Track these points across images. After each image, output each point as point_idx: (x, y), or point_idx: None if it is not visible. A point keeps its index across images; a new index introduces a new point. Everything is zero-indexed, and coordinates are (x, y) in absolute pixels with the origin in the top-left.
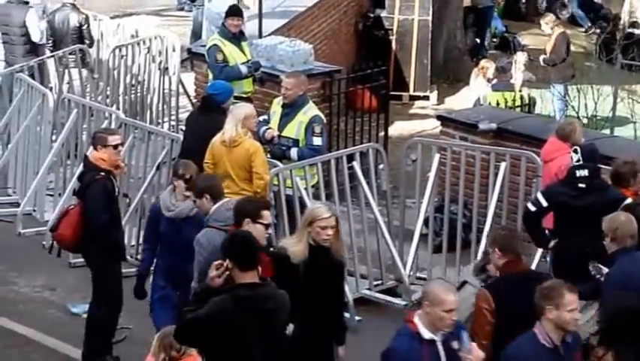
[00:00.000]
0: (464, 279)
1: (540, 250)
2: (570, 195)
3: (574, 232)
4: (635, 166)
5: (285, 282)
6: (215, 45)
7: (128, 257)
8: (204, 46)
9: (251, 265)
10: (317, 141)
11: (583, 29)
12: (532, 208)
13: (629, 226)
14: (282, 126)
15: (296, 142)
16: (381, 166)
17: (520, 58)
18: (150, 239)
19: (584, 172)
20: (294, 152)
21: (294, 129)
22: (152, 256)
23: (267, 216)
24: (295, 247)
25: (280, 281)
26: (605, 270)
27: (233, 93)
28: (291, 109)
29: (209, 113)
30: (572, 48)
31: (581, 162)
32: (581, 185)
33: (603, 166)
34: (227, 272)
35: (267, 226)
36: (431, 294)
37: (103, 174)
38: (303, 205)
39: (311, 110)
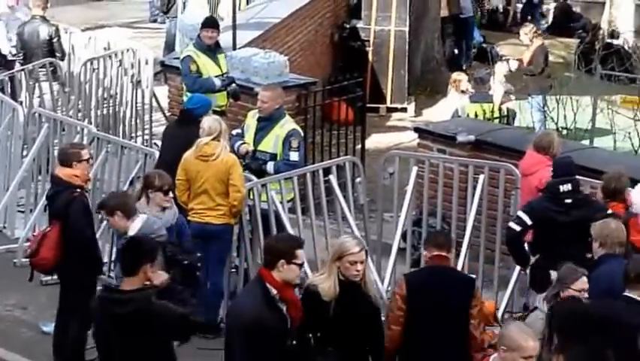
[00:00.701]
0: (535, 305)
1: None
2: (556, 211)
3: (560, 246)
4: (626, 178)
5: (316, 321)
6: (188, 56)
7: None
8: (178, 58)
9: (128, 272)
10: (294, 155)
11: (562, 39)
12: (517, 228)
13: (620, 233)
14: (257, 140)
15: (273, 156)
16: (358, 179)
17: (500, 69)
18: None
19: (568, 187)
20: (270, 166)
21: (271, 143)
22: None
23: (301, 255)
24: (324, 283)
25: (310, 320)
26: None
27: (211, 107)
28: (267, 122)
29: (187, 127)
30: (551, 58)
31: (561, 177)
32: (567, 200)
33: (582, 178)
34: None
35: (300, 266)
36: (509, 339)
37: (79, 190)
38: (278, 220)
39: (288, 123)
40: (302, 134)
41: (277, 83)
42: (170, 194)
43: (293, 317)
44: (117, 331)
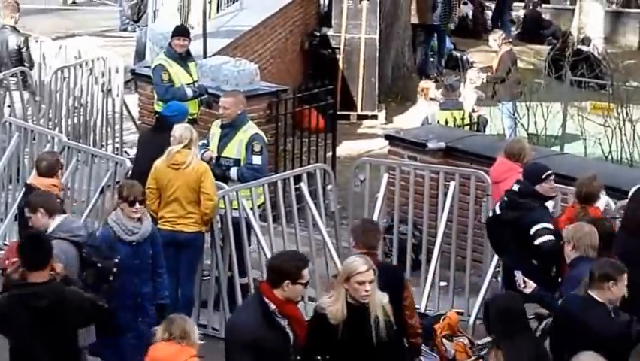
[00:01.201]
0: None
1: (492, 268)
2: (501, 207)
3: (504, 247)
4: (600, 182)
5: (324, 343)
6: (160, 65)
7: None
8: (148, 67)
9: (35, 265)
10: (256, 159)
11: (532, 46)
12: (490, 215)
13: (592, 237)
14: (221, 147)
15: (237, 162)
16: (329, 187)
17: (472, 75)
18: (108, 257)
19: (515, 187)
20: (233, 172)
21: (235, 149)
22: None
23: (307, 274)
24: (333, 306)
25: (318, 343)
26: (531, 283)
27: (187, 115)
28: (230, 129)
29: (162, 134)
30: (521, 65)
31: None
32: (505, 198)
33: (560, 186)
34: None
35: (305, 285)
36: None
37: (59, 199)
38: (249, 227)
39: (251, 128)
40: (265, 138)
41: (248, 91)
42: (137, 205)
43: (296, 334)
44: (38, 324)
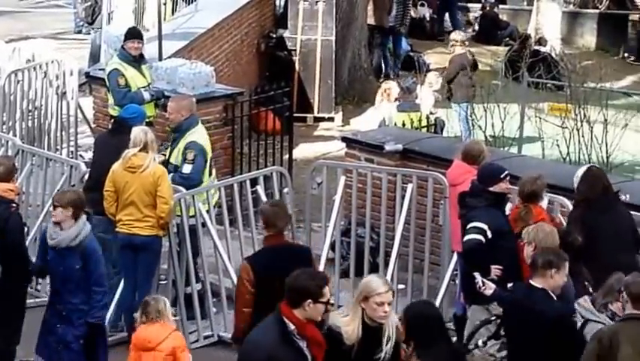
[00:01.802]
0: (587, 318)
1: (449, 271)
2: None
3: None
4: (544, 181)
5: None
6: (116, 70)
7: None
8: (103, 69)
9: None
10: (186, 168)
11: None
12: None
13: (553, 237)
14: (171, 153)
15: (177, 168)
16: (285, 190)
17: (431, 78)
18: (40, 257)
19: (469, 187)
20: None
21: (176, 155)
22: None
23: (327, 292)
24: (349, 326)
25: None
26: (490, 285)
27: (146, 118)
28: (178, 134)
29: (120, 136)
30: (480, 66)
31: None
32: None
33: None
34: None
35: (327, 303)
36: None
37: (15, 205)
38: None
39: (192, 135)
40: (203, 147)
41: (204, 94)
42: (59, 210)
43: (315, 355)
44: None
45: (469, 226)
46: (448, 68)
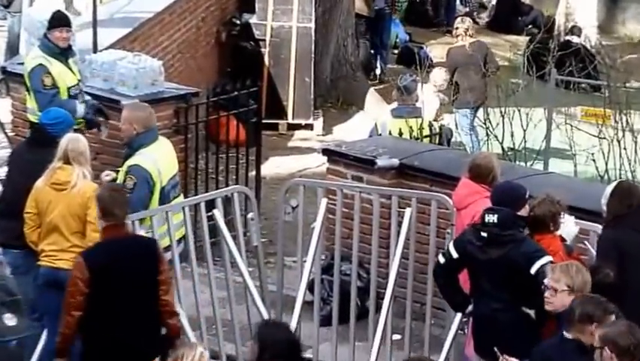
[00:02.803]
0: None
1: (458, 317)
2: (475, 246)
3: (485, 293)
4: (554, 206)
5: None
6: (40, 65)
7: None
8: (22, 64)
9: None
10: None
11: (507, 36)
12: (442, 260)
13: (589, 278)
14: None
15: None
16: (250, 215)
17: (437, 76)
18: None
19: (493, 218)
20: None
21: (121, 177)
22: None
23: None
24: None
25: None
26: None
27: (73, 124)
28: (128, 150)
29: (41, 149)
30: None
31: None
32: (483, 233)
33: None
34: None
35: None
36: None
37: None
38: None
39: (139, 156)
40: (148, 174)
41: (149, 95)
42: None
43: None
44: None
45: (542, 262)
46: (444, 65)
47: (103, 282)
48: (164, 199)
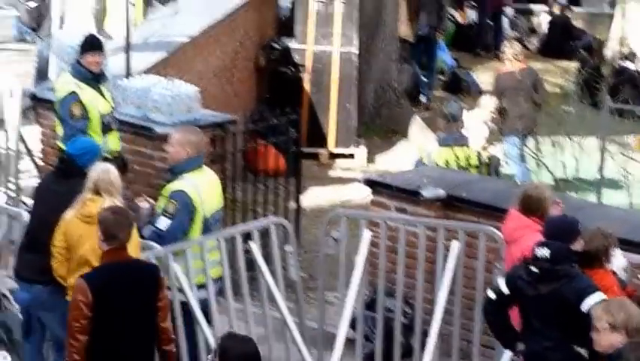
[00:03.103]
0: None
1: (507, 356)
2: (525, 281)
3: (535, 330)
4: (606, 240)
5: None
6: (72, 94)
7: None
8: (53, 89)
9: None
10: (161, 222)
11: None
12: (492, 296)
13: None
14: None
15: None
16: (288, 248)
17: (484, 103)
18: None
19: (545, 252)
20: (144, 232)
21: (160, 203)
22: None
23: None
24: None
25: None
26: None
27: (101, 154)
28: (171, 176)
29: (68, 180)
30: (546, 87)
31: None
32: (534, 268)
33: None
34: None
35: None
36: None
37: None
38: (186, 310)
39: (180, 181)
40: (191, 201)
41: (185, 122)
42: None
43: None
44: None
45: (595, 300)
46: (491, 91)
47: (104, 306)
48: (207, 233)
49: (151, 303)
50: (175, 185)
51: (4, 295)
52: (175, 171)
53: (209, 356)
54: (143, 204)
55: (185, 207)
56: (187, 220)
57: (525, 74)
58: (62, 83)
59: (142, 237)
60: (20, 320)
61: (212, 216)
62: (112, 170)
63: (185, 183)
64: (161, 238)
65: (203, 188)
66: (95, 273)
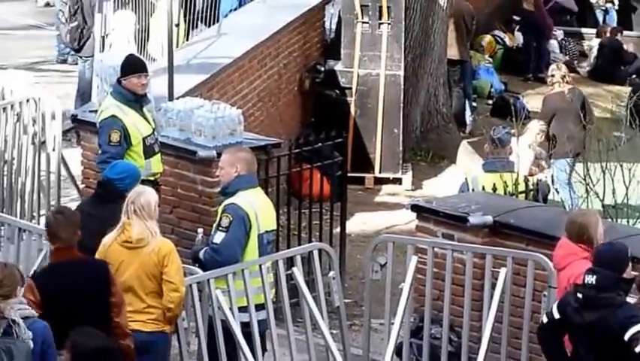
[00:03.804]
0: None
1: None
2: (573, 308)
3: (581, 358)
4: None
5: None
6: (113, 118)
7: None
8: (95, 111)
9: None
10: (218, 237)
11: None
12: (544, 320)
13: None
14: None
15: None
16: (331, 273)
17: (534, 127)
18: None
19: (592, 279)
20: (201, 253)
21: (216, 223)
22: None
23: None
24: None
25: None
26: None
27: (141, 177)
28: (225, 197)
29: (108, 205)
30: (595, 112)
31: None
32: (579, 295)
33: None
34: None
35: None
36: None
37: None
38: (228, 334)
39: (234, 197)
40: (245, 214)
41: (228, 145)
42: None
43: None
44: None
45: (637, 329)
46: (540, 113)
47: (53, 304)
48: (263, 250)
49: (104, 299)
50: (229, 200)
51: (14, 322)
52: (227, 191)
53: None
54: (199, 230)
55: (240, 221)
56: (243, 233)
57: (574, 95)
58: (105, 106)
59: (199, 261)
60: (29, 349)
61: (267, 234)
62: (146, 193)
63: (240, 198)
64: (217, 252)
65: (259, 205)
66: (42, 272)
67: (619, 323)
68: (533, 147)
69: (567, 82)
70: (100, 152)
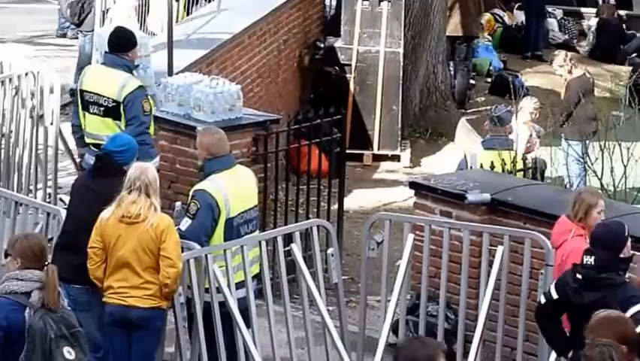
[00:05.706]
0: None
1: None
2: (572, 288)
3: (582, 338)
4: None
5: None
6: (141, 88)
7: None
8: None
9: None
10: (184, 223)
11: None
12: (542, 300)
13: None
14: None
15: None
16: (330, 250)
17: (527, 105)
18: None
19: (590, 259)
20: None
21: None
22: None
23: None
24: None
25: None
26: None
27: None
28: (202, 176)
29: (107, 178)
30: (596, 92)
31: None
32: (578, 275)
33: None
34: None
35: None
36: None
37: None
38: (224, 312)
39: (205, 182)
40: (214, 201)
41: (227, 121)
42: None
43: None
44: None
45: (637, 309)
46: (566, 97)
47: None
48: (231, 234)
49: None
50: (199, 185)
51: (59, 293)
52: (205, 172)
53: None
54: (177, 203)
55: (208, 208)
56: (209, 220)
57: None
58: (123, 80)
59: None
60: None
61: (240, 216)
62: (150, 169)
63: (210, 184)
64: (182, 238)
65: (232, 190)
66: None
67: (619, 303)
68: (529, 125)
69: (576, 66)
70: (134, 124)
